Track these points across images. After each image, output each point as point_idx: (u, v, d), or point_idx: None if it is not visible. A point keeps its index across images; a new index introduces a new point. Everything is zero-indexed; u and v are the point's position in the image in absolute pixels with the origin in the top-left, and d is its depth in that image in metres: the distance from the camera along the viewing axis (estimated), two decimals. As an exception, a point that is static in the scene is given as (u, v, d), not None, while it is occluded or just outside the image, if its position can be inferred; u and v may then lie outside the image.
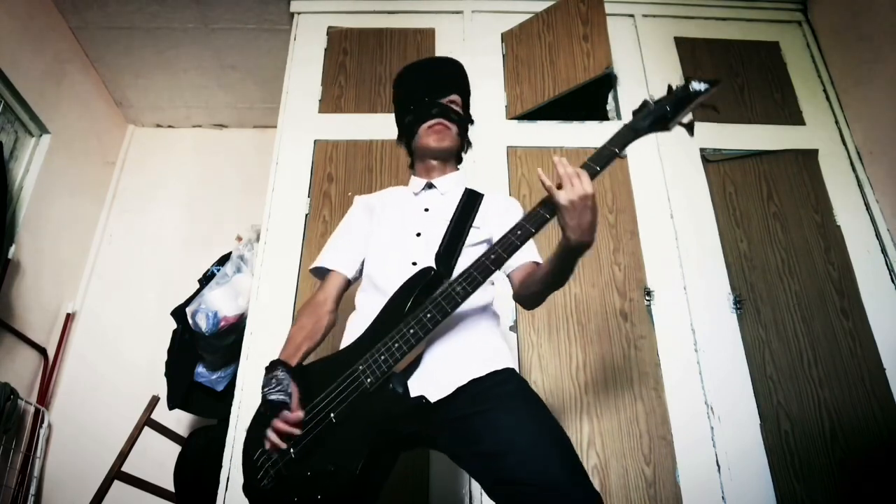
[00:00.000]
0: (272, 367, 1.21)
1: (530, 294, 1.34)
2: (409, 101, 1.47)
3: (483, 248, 1.36)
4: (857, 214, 2.36)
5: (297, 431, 1.13)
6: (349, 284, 1.43)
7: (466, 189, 1.44)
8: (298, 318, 1.36)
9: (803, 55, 2.72)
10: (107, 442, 2.52)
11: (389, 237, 1.39)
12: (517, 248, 1.15)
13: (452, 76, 1.51)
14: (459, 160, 1.55)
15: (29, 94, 2.71)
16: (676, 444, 1.96)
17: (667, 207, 2.34)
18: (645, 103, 1.21)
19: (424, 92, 1.45)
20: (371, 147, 2.45)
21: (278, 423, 1.13)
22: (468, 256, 1.26)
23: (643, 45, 2.69)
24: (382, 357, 1.15)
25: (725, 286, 2.21)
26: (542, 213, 1.14)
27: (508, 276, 1.40)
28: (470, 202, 1.39)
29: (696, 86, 1.17)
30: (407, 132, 1.49)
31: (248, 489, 1.18)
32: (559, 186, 1.11)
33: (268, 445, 1.14)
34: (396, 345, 1.15)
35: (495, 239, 1.36)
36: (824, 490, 1.91)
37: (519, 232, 1.15)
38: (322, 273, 1.43)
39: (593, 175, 1.13)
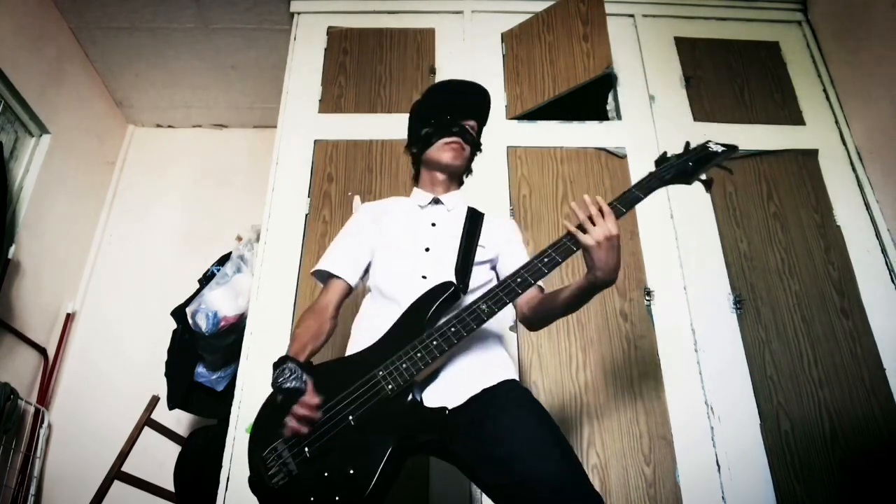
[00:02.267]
0: (281, 362, 1.21)
1: (541, 319, 1.40)
2: (432, 115, 1.51)
3: (487, 267, 1.44)
4: (857, 214, 2.36)
5: (317, 415, 1.15)
6: (350, 292, 1.44)
7: (469, 208, 1.50)
8: (303, 320, 1.37)
9: (803, 55, 2.72)
10: (107, 442, 2.52)
11: (398, 250, 1.42)
12: (544, 275, 1.21)
13: (478, 103, 1.55)
14: (461, 182, 1.60)
15: (29, 94, 2.71)
16: (676, 444, 1.96)
17: (667, 207, 2.34)
18: (665, 155, 1.36)
19: (449, 110, 1.49)
20: (371, 147, 2.45)
21: (298, 408, 1.14)
22: (475, 274, 1.34)
23: (643, 45, 2.69)
24: (405, 365, 1.18)
25: (725, 286, 2.21)
26: (569, 244, 1.21)
27: None
28: (474, 221, 1.46)
29: (714, 147, 1.33)
30: (422, 142, 1.52)
31: (255, 486, 1.18)
32: (580, 228, 1.17)
33: (288, 432, 1.15)
34: (419, 354, 1.18)
35: (500, 259, 1.47)
36: (824, 490, 1.91)
37: (546, 260, 1.21)
38: (324, 277, 1.44)
39: (619, 216, 1.20)
